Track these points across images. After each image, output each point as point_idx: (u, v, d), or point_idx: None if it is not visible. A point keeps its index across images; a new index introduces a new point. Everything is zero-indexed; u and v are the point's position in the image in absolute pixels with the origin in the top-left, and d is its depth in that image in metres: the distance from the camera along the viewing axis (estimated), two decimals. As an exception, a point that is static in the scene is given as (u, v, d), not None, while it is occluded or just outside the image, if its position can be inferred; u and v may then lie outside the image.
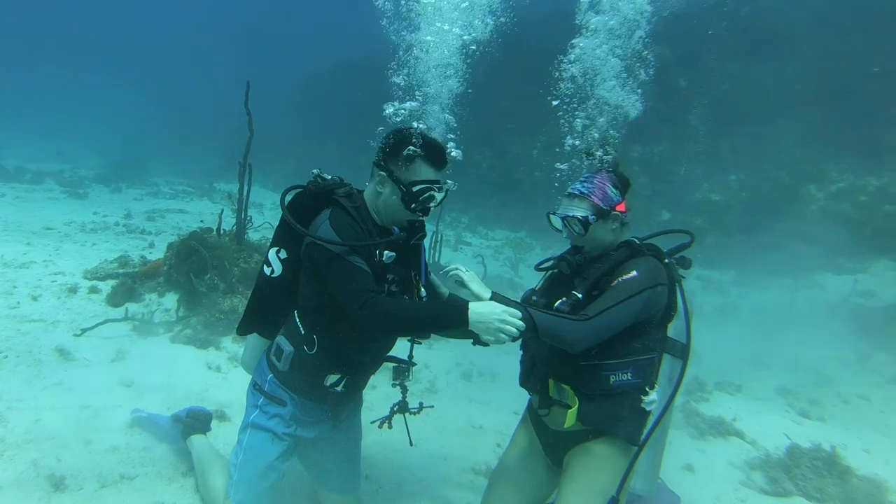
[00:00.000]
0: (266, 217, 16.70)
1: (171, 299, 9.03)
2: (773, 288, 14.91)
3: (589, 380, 3.84)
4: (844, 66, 21.13)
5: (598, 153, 4.12)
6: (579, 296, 3.77)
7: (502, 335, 3.39)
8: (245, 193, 9.59)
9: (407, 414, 4.51)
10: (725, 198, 19.72)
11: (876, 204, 17.72)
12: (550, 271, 4.33)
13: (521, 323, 3.39)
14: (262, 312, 4.25)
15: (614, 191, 3.97)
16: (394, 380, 4.36)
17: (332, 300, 3.68)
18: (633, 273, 3.71)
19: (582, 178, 4.04)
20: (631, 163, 19.30)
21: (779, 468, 6.54)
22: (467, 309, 3.43)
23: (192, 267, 8.94)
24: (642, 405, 3.90)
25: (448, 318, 3.48)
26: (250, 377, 4.47)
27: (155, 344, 7.95)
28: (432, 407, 4.79)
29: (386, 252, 3.82)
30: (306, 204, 3.89)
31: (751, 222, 17.78)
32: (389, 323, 3.55)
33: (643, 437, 3.90)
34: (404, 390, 4.46)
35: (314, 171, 4.07)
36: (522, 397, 7.86)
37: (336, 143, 29.41)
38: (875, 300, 13.75)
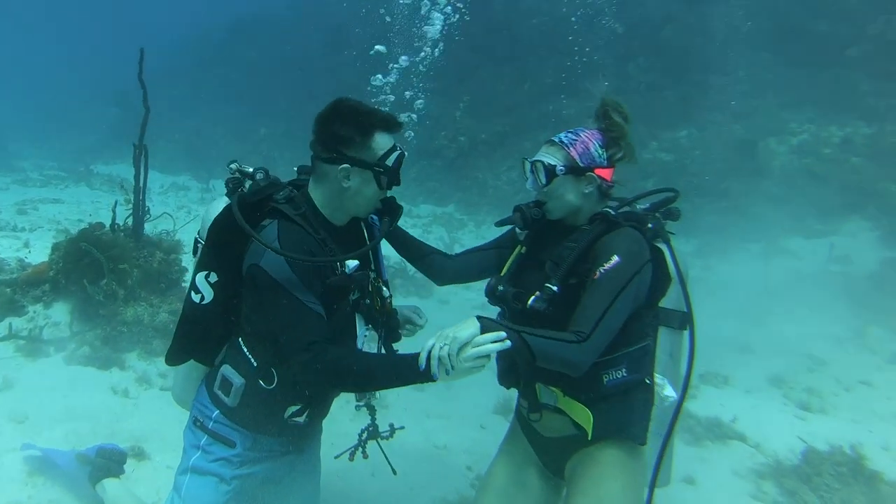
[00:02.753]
0: (154, 203, 16.11)
1: (60, 311, 8.57)
2: (741, 257, 14.98)
3: (579, 383, 3.65)
4: (795, 3, 21.27)
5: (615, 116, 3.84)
6: (554, 289, 3.58)
7: (481, 363, 3.16)
8: (142, 181, 9.15)
9: (379, 440, 4.34)
10: (677, 157, 19.67)
11: (841, 157, 17.83)
12: (517, 251, 4.12)
13: (493, 342, 3.14)
14: (195, 341, 3.93)
15: (600, 151, 3.78)
16: (358, 400, 4.19)
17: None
18: (615, 259, 3.50)
19: (569, 129, 3.88)
20: (568, 120, 19.05)
21: (795, 477, 6.39)
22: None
23: (85, 271, 8.51)
24: (664, 403, 3.86)
25: (412, 372, 3.23)
26: (180, 407, 4.26)
27: (47, 366, 7.58)
28: (403, 428, 4.53)
29: (350, 263, 3.57)
30: (234, 224, 3.52)
31: (707, 184, 17.71)
32: (341, 382, 3.49)
33: (666, 430, 3.82)
34: (373, 412, 4.29)
35: (232, 164, 3.85)
36: (486, 409, 7.70)
37: (230, 111, 28.87)
38: (854, 266, 13.78)
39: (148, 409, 6.93)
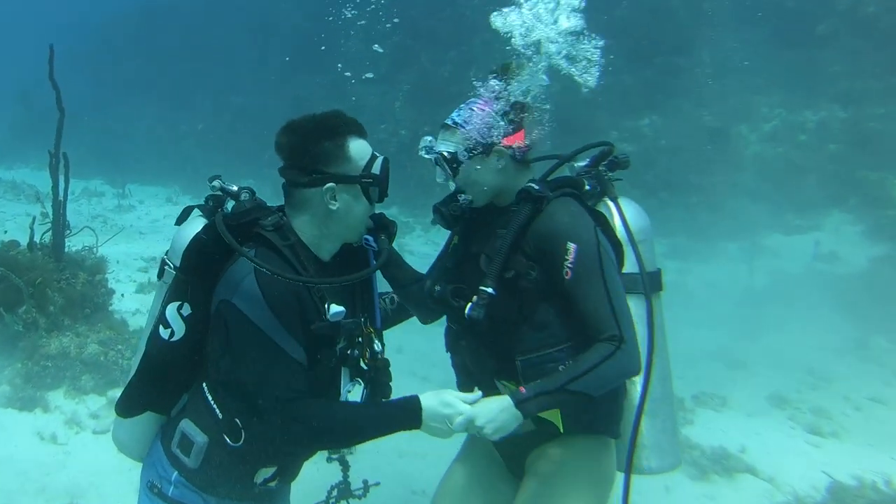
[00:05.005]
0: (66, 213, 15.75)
1: (-30, 344, 8.22)
2: (718, 258, 14.97)
3: (535, 378, 3.46)
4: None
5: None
6: (490, 291, 3.44)
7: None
8: (63, 193, 8.91)
9: (351, 499, 4.12)
10: (641, 148, 19.58)
11: (818, 144, 17.95)
12: (452, 243, 3.97)
13: (462, 409, 3.24)
14: (159, 387, 3.56)
15: (499, 119, 3.61)
16: (331, 453, 3.93)
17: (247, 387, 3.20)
18: (573, 248, 3.37)
19: (462, 105, 3.70)
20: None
21: (823, 519, 6.22)
22: (420, 409, 3.22)
23: (1, 298, 8.17)
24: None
25: (397, 423, 3.23)
26: (124, 455, 3.90)
27: (-40, 410, 7.20)
28: (378, 484, 4.30)
29: (332, 307, 3.26)
30: (213, 245, 3.29)
31: (676, 177, 17.70)
32: (325, 441, 3.36)
33: (633, 419, 3.65)
34: (345, 468, 4.03)
35: (215, 181, 3.61)
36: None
37: (145, 107, 28.42)
38: (842, 265, 13.89)
39: (81, 456, 6.63)
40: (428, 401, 3.24)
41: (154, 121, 27.32)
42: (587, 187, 3.72)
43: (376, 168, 3.35)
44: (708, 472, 7.17)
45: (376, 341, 3.61)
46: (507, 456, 4.00)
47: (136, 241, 16.56)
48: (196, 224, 3.58)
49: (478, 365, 3.80)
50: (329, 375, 3.41)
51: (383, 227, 3.56)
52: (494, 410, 3.23)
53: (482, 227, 3.72)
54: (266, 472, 3.52)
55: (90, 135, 26.41)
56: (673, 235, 15.76)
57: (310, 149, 3.28)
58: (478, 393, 3.31)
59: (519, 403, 3.21)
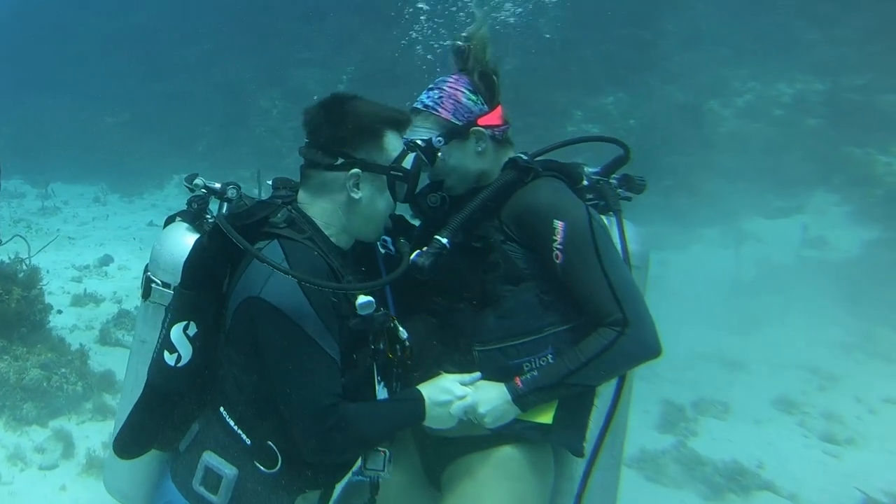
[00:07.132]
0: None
1: None
2: (698, 246, 14.94)
3: (494, 377, 3.40)
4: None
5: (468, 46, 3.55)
6: (444, 241, 3.33)
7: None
8: None
9: None
10: (606, 128, 19.54)
11: (796, 118, 17.97)
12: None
13: (461, 391, 3.28)
14: (165, 420, 3.40)
15: (473, 97, 3.50)
16: (364, 469, 3.57)
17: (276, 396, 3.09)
18: (560, 225, 3.28)
19: (430, 86, 3.62)
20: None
21: (857, 546, 6.11)
22: (424, 401, 3.25)
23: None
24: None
25: (406, 420, 3.31)
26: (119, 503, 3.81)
27: None
28: None
29: (362, 298, 3.11)
30: (219, 252, 3.18)
31: (648, 160, 17.56)
32: (363, 447, 3.25)
33: (597, 437, 3.59)
34: (375, 488, 3.66)
35: (197, 180, 3.61)
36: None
37: (64, 98, 28.06)
38: (834, 251, 13.88)
39: (29, 496, 6.47)
40: (426, 390, 3.26)
41: (74, 112, 26.86)
42: (585, 182, 3.63)
43: (407, 162, 3.29)
44: (723, 491, 7.01)
45: (400, 328, 3.46)
46: (428, 464, 3.82)
47: (65, 248, 16.24)
48: (175, 232, 3.57)
49: (421, 350, 3.59)
50: (365, 375, 3.35)
51: (403, 231, 3.57)
52: (497, 400, 3.26)
53: (461, 201, 3.55)
54: (308, 496, 3.40)
55: (5, 129, 26.03)
56: (646, 222, 15.39)
57: (340, 130, 3.19)
58: (476, 374, 3.33)
59: (517, 399, 3.24)
